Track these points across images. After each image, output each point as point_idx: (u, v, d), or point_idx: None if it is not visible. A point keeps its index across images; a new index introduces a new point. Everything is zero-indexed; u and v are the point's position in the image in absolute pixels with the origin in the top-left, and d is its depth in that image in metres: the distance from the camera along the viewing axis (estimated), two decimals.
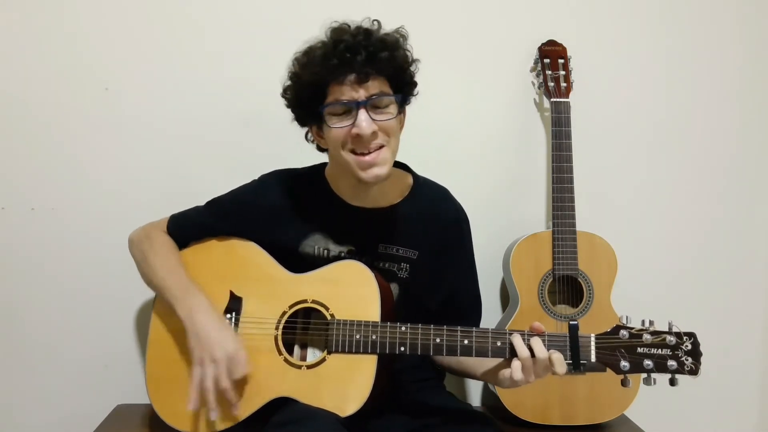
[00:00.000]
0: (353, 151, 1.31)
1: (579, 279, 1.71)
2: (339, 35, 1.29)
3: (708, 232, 1.96)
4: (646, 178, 1.93)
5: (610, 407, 1.69)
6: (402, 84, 1.35)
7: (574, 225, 1.71)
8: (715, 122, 1.94)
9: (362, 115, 1.27)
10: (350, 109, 1.28)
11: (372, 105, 1.29)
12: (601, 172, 1.89)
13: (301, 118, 1.39)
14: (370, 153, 1.30)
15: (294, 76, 1.34)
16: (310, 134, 1.42)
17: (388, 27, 1.33)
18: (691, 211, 1.95)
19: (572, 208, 1.72)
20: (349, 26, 1.31)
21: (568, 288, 1.73)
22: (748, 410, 2.01)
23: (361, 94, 1.27)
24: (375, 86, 1.28)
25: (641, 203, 1.93)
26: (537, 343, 1.23)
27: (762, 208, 1.97)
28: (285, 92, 1.37)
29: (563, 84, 1.77)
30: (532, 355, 1.23)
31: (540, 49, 1.81)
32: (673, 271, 1.95)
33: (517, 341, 1.24)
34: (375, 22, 1.32)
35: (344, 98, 1.27)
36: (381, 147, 1.31)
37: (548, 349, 1.23)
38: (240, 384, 1.33)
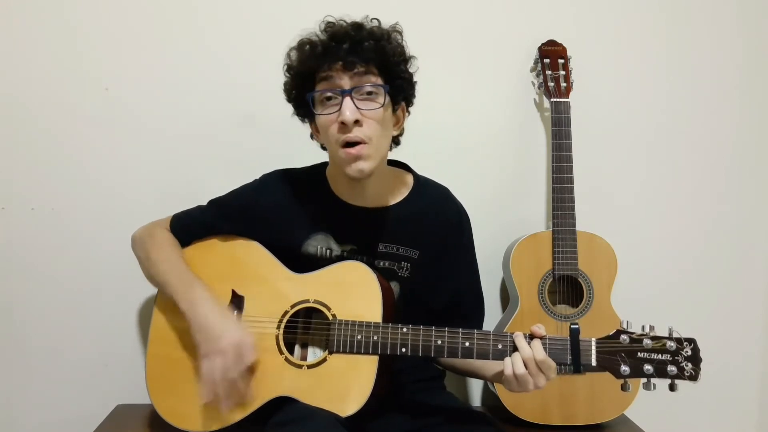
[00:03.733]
0: (341, 145, 1.31)
1: (579, 279, 1.71)
2: (329, 27, 1.32)
3: (708, 232, 1.96)
4: (647, 178, 1.93)
5: (610, 407, 1.69)
6: (394, 77, 1.35)
7: (574, 225, 1.71)
8: (715, 122, 1.94)
9: (347, 102, 1.29)
10: (336, 96, 1.30)
11: (358, 93, 1.30)
12: (601, 172, 1.89)
13: (299, 113, 1.41)
14: (355, 145, 1.30)
15: (287, 68, 1.37)
16: (312, 132, 1.44)
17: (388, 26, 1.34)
18: (691, 211, 1.95)
19: (572, 208, 1.72)
20: (343, 20, 1.33)
21: (568, 288, 1.73)
22: (748, 410, 2.01)
23: (346, 82, 1.29)
24: (361, 75, 1.30)
25: (641, 203, 1.93)
26: (537, 344, 1.24)
27: (762, 208, 1.97)
28: (284, 86, 1.40)
29: (563, 84, 1.77)
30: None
31: (540, 49, 1.81)
32: (673, 271, 1.95)
33: (520, 340, 1.25)
34: (374, 20, 1.34)
35: (329, 85, 1.30)
36: (364, 143, 1.31)
37: (548, 351, 1.23)
38: (247, 379, 1.33)
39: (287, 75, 1.38)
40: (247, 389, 1.32)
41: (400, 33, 1.36)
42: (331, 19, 1.34)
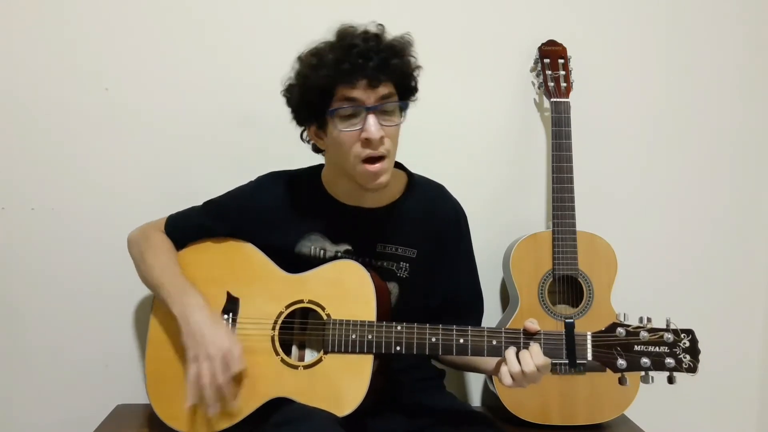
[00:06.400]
0: (362, 160, 1.31)
1: (579, 279, 1.70)
2: (350, 39, 1.29)
3: (708, 231, 1.95)
4: (646, 177, 1.93)
5: (610, 407, 1.69)
6: (406, 90, 1.36)
7: (574, 225, 1.71)
8: (715, 121, 1.94)
9: (371, 119, 1.28)
10: (358, 113, 1.29)
11: (380, 110, 1.30)
12: (601, 172, 1.89)
13: (302, 118, 1.39)
14: (377, 161, 1.31)
15: (301, 77, 1.33)
16: (306, 134, 1.42)
17: (389, 28, 1.32)
18: (691, 211, 1.94)
19: (572, 208, 1.71)
20: (356, 29, 1.31)
21: (568, 288, 1.73)
22: (748, 410, 2.00)
23: (370, 98, 1.28)
24: (383, 91, 1.29)
25: (641, 203, 1.93)
26: (526, 357, 1.23)
27: (762, 207, 1.97)
28: (288, 91, 1.37)
29: (563, 84, 1.76)
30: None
31: (540, 49, 1.81)
32: (673, 271, 1.94)
33: (510, 355, 1.24)
34: (380, 26, 1.32)
35: (354, 102, 1.28)
36: (384, 157, 1.32)
37: (543, 347, 1.23)
38: (237, 384, 1.33)
39: (299, 82, 1.33)
40: (234, 397, 1.31)
41: (412, 44, 1.34)
42: (345, 28, 1.31)
